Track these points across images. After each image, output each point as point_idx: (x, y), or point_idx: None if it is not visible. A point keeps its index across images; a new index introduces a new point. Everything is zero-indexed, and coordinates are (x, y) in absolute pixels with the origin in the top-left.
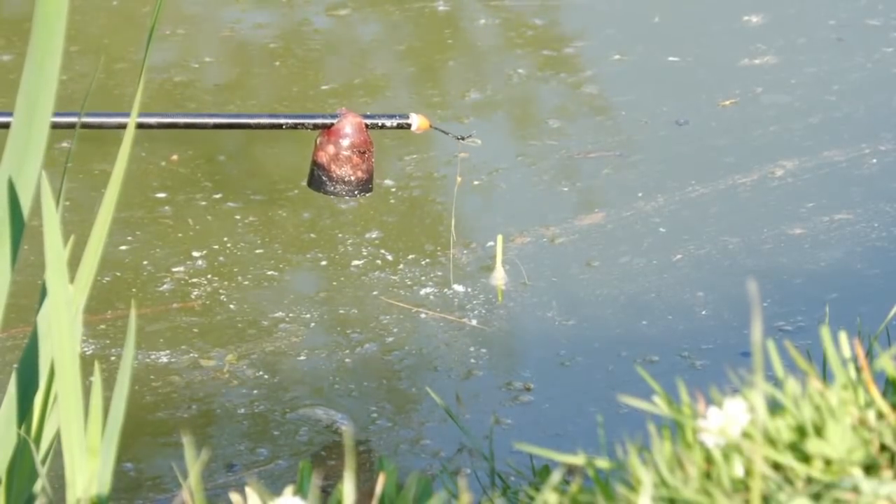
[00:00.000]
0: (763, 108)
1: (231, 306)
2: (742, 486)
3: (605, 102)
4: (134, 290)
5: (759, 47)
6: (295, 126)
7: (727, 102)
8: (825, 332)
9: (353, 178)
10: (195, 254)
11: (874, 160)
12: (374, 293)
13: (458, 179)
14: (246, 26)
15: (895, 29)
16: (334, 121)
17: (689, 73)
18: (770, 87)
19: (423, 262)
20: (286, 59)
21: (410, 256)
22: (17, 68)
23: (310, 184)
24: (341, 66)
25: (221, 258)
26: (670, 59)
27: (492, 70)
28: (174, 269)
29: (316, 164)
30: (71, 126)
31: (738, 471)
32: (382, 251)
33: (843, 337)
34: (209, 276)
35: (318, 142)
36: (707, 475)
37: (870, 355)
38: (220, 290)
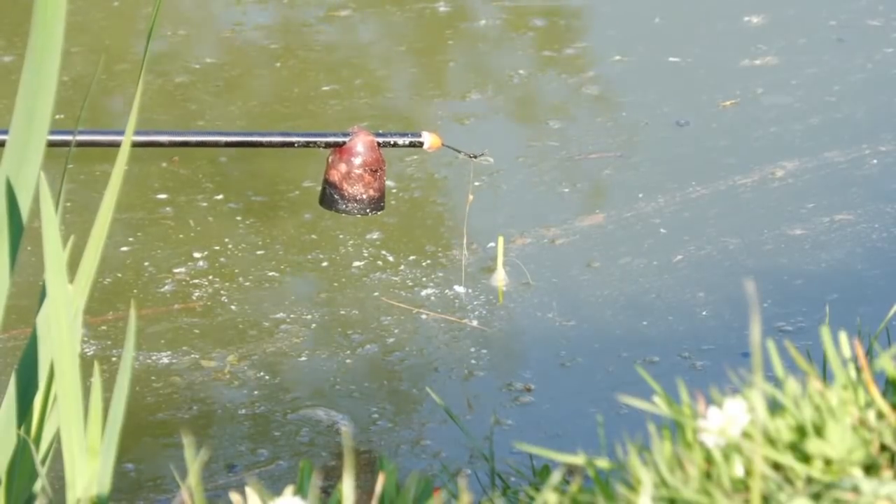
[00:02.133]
0: (763, 109)
1: (232, 307)
2: (742, 486)
3: (606, 103)
4: (135, 291)
5: (759, 48)
6: (307, 144)
7: (728, 103)
8: (825, 333)
9: (365, 196)
10: (196, 255)
11: (874, 161)
12: (375, 294)
13: (470, 198)
14: (247, 27)
15: None
16: (346, 139)
17: (690, 74)
18: (770, 87)
19: (423, 263)
20: (287, 60)
21: (411, 257)
22: (19, 69)
23: (321, 202)
24: (342, 67)
25: (222, 259)
26: (671, 59)
27: (493, 71)
28: (175, 270)
29: (328, 183)
30: (79, 144)
31: (738, 471)
32: (383, 252)
33: (843, 337)
34: (210, 277)
35: (329, 160)
36: (707, 475)
37: (870, 355)
38: (222, 291)
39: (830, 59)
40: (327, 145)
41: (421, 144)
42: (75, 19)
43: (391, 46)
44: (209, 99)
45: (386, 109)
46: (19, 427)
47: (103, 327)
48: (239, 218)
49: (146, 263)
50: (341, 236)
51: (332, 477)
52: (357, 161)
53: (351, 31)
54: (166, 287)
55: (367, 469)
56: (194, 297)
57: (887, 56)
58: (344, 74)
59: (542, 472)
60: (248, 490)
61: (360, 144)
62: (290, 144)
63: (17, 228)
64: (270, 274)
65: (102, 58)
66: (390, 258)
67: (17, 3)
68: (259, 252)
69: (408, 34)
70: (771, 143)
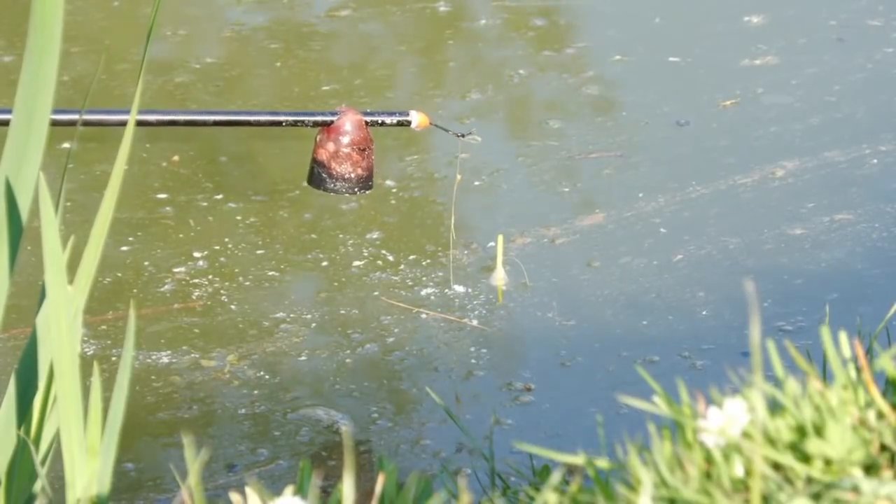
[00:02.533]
0: (764, 109)
1: (232, 307)
2: (742, 486)
3: (606, 103)
4: (135, 290)
5: (759, 48)
6: (295, 123)
7: (728, 103)
8: (825, 332)
9: (353, 175)
10: (196, 254)
11: (875, 160)
12: (375, 293)
13: (458, 177)
14: (247, 27)
15: None
16: (334, 118)
17: (690, 74)
18: (771, 87)
19: (423, 263)
20: (287, 60)
21: (411, 257)
22: (18, 69)
23: (310, 181)
24: (342, 67)
25: (222, 259)
26: (671, 59)
27: (493, 70)
28: (175, 270)
29: (316, 162)
30: (71, 123)
31: (738, 471)
32: (383, 252)
33: (843, 337)
34: (210, 277)
35: (318, 139)
36: (707, 475)
37: (870, 355)
38: (221, 291)
39: (830, 59)
40: (315, 124)
41: (409, 123)
42: (75, 19)
43: (391, 46)
44: (209, 99)
45: (386, 109)
46: (19, 427)
47: (103, 327)
48: (239, 217)
49: (146, 263)
50: (341, 236)
51: (331, 477)
52: (345, 140)
53: (351, 30)
54: (166, 287)
55: (366, 469)
56: (194, 297)
57: (887, 56)
58: (344, 74)
59: (542, 472)
60: (249, 490)
61: (348, 123)
62: (279, 123)
63: (16, 229)
64: (270, 273)
65: (103, 58)
66: (390, 258)
67: (17, 2)
68: (259, 252)
69: (408, 34)
70: (771, 143)
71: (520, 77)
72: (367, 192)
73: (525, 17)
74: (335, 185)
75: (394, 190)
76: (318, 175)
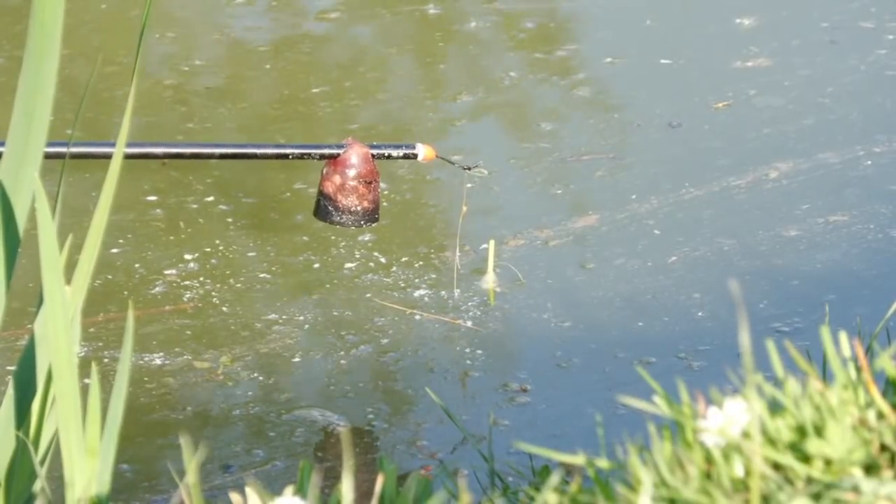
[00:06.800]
0: (757, 111)
1: (224, 308)
2: (742, 486)
3: (598, 105)
4: (126, 292)
5: (751, 49)
6: (301, 156)
7: (720, 105)
8: (825, 333)
9: (359, 208)
10: (187, 256)
11: (868, 162)
12: (368, 295)
13: (464, 209)
14: (237, 29)
15: (888, 31)
16: (340, 151)
17: (682, 76)
18: (763, 89)
19: (416, 265)
20: (277, 62)
21: (403, 259)
22: (7, 72)
23: (316, 213)
24: (332, 70)
25: (214, 261)
26: (663, 61)
27: (484, 73)
28: (166, 272)
29: (322, 195)
30: (60, 157)
31: (738, 471)
32: (375, 253)
33: (843, 337)
34: (201, 279)
35: (324, 172)
36: (707, 475)
37: (869, 355)
38: (213, 293)
39: (823, 61)
40: (322, 157)
41: (415, 156)
42: (65, 22)
43: (381, 49)
44: (199, 101)
45: (376, 112)
46: (18, 428)
47: (92, 329)
48: (230, 220)
49: (137, 265)
50: (333, 238)
51: (328, 477)
52: (351, 173)
53: (341, 33)
54: (157, 289)
55: (363, 469)
56: (186, 299)
57: (880, 57)
58: (334, 77)
59: (541, 473)
60: (248, 490)
61: (355, 156)
62: (285, 156)
63: (14, 233)
64: (262, 275)
65: (99, 60)
66: (382, 259)
67: (5, 6)
68: (250, 254)
69: (398, 37)
70: (764, 145)
71: (511, 79)
72: (373, 224)
73: (516, 20)
74: (341, 218)
75: (386, 192)
76: (324, 208)
